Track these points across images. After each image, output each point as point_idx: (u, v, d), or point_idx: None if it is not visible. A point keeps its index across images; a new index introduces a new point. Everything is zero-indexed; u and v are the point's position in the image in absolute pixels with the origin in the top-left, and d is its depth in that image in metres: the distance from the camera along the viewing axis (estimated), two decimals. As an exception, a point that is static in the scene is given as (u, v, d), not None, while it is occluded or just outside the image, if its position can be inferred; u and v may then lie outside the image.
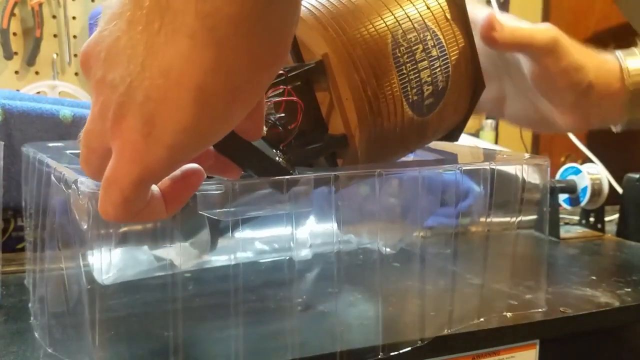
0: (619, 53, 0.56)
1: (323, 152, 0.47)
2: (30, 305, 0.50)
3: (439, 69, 0.48)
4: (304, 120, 0.45)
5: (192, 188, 0.34)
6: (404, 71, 0.46)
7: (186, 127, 0.28)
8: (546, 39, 0.52)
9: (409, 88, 0.47)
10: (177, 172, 0.33)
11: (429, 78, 0.47)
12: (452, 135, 0.54)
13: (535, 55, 0.53)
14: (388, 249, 0.52)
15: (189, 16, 0.27)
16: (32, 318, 0.48)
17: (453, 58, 0.49)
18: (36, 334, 0.45)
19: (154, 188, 0.32)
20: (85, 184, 0.36)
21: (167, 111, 0.28)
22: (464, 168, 0.47)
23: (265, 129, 0.40)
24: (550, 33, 0.52)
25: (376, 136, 0.46)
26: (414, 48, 0.46)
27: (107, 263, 0.37)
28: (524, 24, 0.53)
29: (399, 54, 0.46)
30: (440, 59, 0.48)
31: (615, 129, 0.59)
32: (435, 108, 0.49)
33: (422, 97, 0.48)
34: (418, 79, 0.47)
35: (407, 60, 0.46)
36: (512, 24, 0.52)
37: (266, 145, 0.40)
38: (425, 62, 0.47)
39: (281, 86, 0.44)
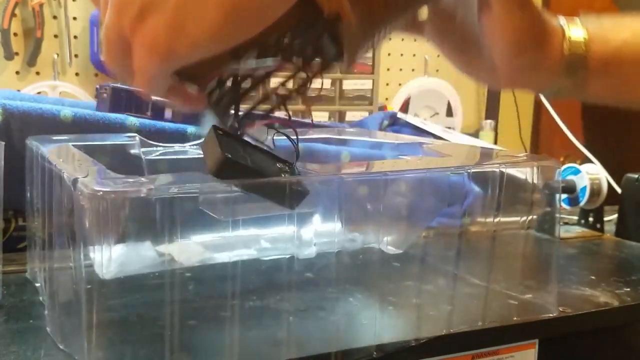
0: (562, 20, 0.52)
1: (319, 33, 0.42)
2: (41, 298, 0.50)
3: None
4: (296, 10, 0.43)
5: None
6: None
7: (217, 27, 0.33)
8: None
9: None
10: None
11: None
12: None
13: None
14: (393, 249, 0.52)
15: None
16: (45, 311, 0.48)
17: None
18: (48, 329, 0.46)
19: None
20: (84, 182, 0.36)
21: (202, 11, 0.33)
22: (473, 170, 0.47)
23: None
24: None
25: None
26: None
27: (108, 258, 0.37)
28: None
29: None
30: None
31: (544, 95, 0.55)
32: None
33: None
34: None
35: None
36: None
37: (268, 159, 0.39)
38: None
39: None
